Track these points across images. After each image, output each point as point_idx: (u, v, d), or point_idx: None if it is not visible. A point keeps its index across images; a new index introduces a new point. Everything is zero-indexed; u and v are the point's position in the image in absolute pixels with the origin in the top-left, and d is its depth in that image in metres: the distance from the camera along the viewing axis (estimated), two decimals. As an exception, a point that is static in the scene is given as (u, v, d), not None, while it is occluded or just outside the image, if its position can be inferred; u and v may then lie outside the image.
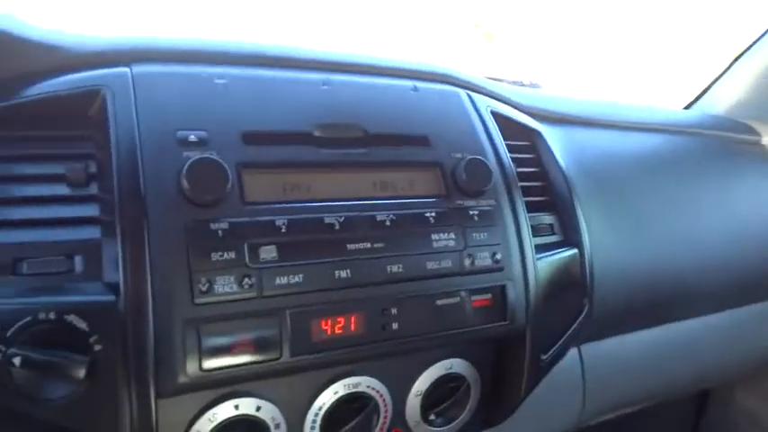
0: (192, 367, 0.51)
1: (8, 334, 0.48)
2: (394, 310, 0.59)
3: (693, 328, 0.99)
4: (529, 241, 0.68)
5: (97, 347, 0.50)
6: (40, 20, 0.61)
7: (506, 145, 0.73)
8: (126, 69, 0.58)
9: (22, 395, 0.48)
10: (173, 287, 0.51)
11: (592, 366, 0.87)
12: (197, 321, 0.51)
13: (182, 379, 0.51)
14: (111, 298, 0.50)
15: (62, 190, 0.55)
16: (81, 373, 0.49)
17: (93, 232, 0.54)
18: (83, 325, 0.50)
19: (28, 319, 0.48)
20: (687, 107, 1.26)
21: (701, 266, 0.95)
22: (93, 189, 0.55)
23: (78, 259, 0.53)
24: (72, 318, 0.49)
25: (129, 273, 0.50)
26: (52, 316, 0.49)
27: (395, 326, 0.60)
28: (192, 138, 0.56)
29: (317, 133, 0.62)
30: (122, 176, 0.53)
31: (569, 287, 0.75)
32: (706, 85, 1.22)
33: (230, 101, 0.60)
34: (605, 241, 0.83)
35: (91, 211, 0.55)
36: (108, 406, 0.50)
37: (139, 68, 0.59)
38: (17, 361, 0.48)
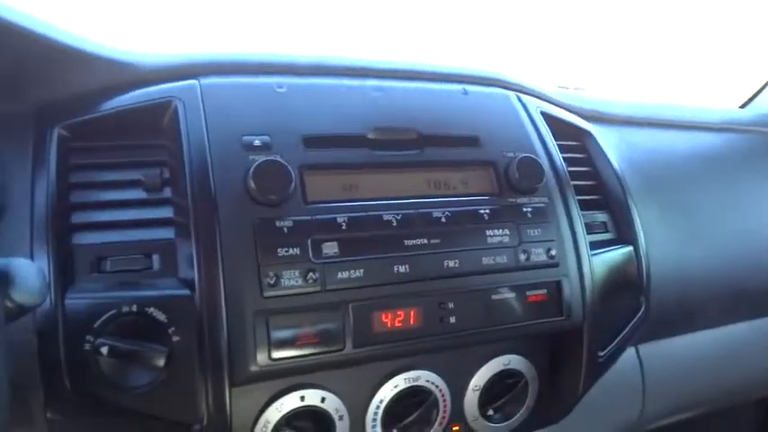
0: (262, 357, 0.54)
1: (95, 325, 0.52)
2: (451, 304, 0.62)
3: (754, 330, 0.98)
4: (583, 238, 0.70)
5: (175, 338, 0.53)
6: (110, 37, 0.65)
7: (557, 145, 0.75)
8: (194, 82, 0.63)
9: (108, 383, 0.53)
10: (243, 281, 0.54)
11: (651, 367, 0.86)
12: (266, 313, 0.54)
13: (253, 368, 0.54)
14: (187, 292, 0.54)
15: (139, 194, 0.59)
16: (161, 362, 0.53)
17: (168, 232, 0.58)
18: (162, 317, 0.53)
19: (113, 311, 0.52)
20: (743, 106, 1.25)
21: (760, 266, 0.95)
22: (168, 193, 0.60)
23: (156, 257, 0.57)
24: (152, 310, 0.53)
25: (202, 269, 0.54)
26: (134, 309, 0.53)
27: (452, 319, 0.62)
28: (257, 142, 0.60)
29: (372, 136, 0.65)
30: (194, 180, 0.57)
31: (625, 285, 0.76)
32: (762, 84, 1.21)
33: (291, 107, 0.63)
34: (661, 240, 0.83)
35: (166, 212, 0.59)
36: (186, 394, 0.54)
37: (206, 80, 0.63)
38: (104, 350, 0.52)
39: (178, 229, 0.58)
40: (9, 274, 0.42)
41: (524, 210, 0.67)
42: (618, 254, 0.75)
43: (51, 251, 0.53)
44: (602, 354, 0.74)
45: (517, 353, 0.70)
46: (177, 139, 0.59)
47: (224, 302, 0.53)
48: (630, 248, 0.77)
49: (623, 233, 0.78)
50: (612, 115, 0.93)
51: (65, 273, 0.54)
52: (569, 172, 0.74)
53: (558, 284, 0.67)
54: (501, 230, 0.65)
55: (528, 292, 0.65)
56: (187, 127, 0.59)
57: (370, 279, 0.58)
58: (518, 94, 0.77)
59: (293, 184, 0.57)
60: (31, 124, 0.59)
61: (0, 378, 0.38)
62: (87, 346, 0.52)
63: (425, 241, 0.61)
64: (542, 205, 0.68)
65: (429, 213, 0.63)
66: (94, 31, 0.63)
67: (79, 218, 0.57)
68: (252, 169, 0.56)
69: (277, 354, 0.55)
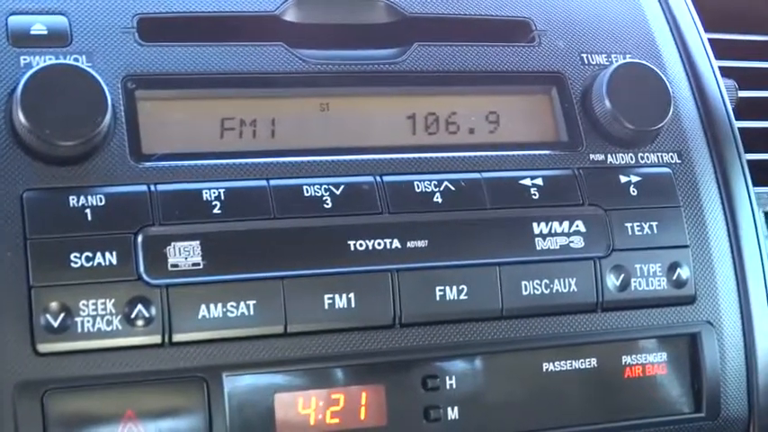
0: None
1: None
2: (450, 381, 0.49)
3: None
4: (757, 245, 0.57)
5: None
6: None
7: (709, 47, 0.62)
8: None
9: None
10: None
11: None
12: (39, 387, 0.43)
13: None
14: None
15: None
16: None
17: None
18: None
19: None
20: None
21: None
22: None
23: None
24: None
25: None
26: None
27: (452, 413, 0.49)
28: (39, 29, 0.49)
29: (291, 16, 0.53)
30: None
31: None
32: None
33: None
34: None
35: None
36: None
37: None
38: None
39: None
40: None
41: (622, 180, 0.53)
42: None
43: None
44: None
45: None
46: None
47: None
48: None
49: None
50: None
51: None
52: (737, 103, 0.62)
53: (694, 341, 0.53)
54: (566, 224, 0.51)
55: (625, 359, 0.51)
56: None
57: (269, 322, 0.46)
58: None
59: (108, 118, 0.45)
60: None
61: None
62: None
63: (396, 244, 0.48)
64: (663, 173, 0.54)
65: (408, 186, 0.50)
66: None
67: None
68: (22, 85, 0.45)
69: None
